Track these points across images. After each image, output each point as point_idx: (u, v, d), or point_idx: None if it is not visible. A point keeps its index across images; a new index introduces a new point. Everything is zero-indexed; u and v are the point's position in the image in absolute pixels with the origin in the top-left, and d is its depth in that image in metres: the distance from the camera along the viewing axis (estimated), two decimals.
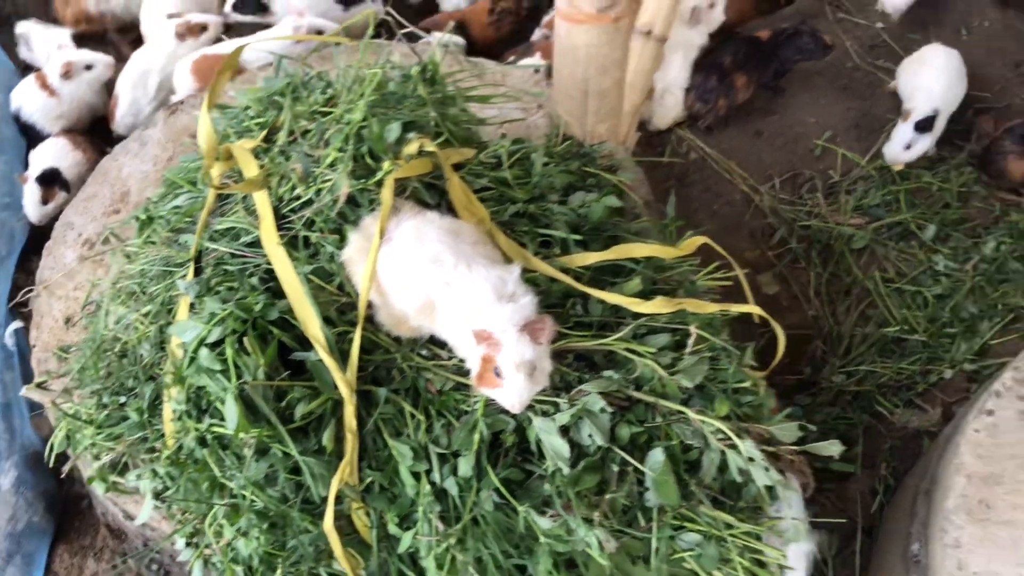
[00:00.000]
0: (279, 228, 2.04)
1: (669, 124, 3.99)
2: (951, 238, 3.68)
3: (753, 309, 2.15)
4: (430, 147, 1.97)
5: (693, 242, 2.30)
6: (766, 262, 3.67)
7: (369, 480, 1.91)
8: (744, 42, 3.91)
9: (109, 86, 3.93)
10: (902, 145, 3.74)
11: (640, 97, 3.69)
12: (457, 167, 2.19)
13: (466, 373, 1.87)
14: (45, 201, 3.50)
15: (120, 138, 3.61)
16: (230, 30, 3.95)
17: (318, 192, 1.99)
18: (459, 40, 3.89)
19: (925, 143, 3.75)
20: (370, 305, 1.96)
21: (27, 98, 3.81)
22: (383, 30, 2.72)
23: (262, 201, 2.05)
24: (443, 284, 1.82)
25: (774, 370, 3.42)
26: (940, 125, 3.77)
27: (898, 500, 3.02)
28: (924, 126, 3.70)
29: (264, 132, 2.29)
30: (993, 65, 4.15)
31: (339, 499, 1.90)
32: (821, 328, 3.52)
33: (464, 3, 4.25)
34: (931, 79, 3.76)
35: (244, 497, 1.94)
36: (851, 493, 3.13)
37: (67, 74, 3.74)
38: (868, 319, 3.51)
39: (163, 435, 2.14)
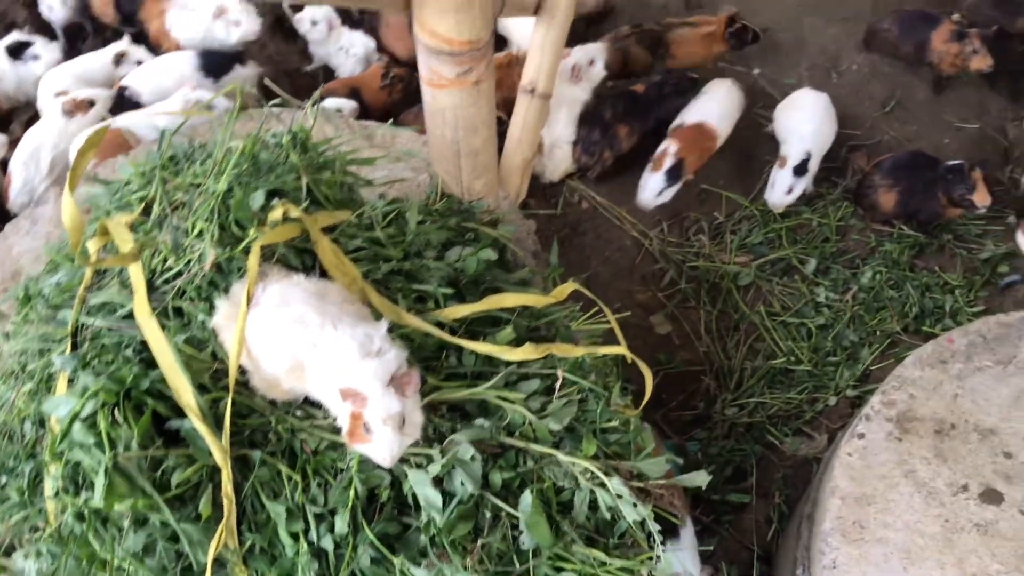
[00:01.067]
0: (153, 299, 2.08)
1: (560, 176, 4.14)
2: (831, 270, 3.88)
3: (619, 350, 2.25)
4: (295, 212, 2.04)
5: (564, 289, 2.40)
6: (658, 303, 3.81)
7: (250, 543, 1.94)
8: (623, 95, 4.10)
9: (3, 165, 3.93)
10: (783, 191, 3.94)
11: (529, 152, 3.84)
12: (331, 229, 2.27)
13: (340, 431, 1.92)
14: None
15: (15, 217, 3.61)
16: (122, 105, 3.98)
17: (188, 263, 2.05)
18: (353, 104, 4.00)
19: (803, 185, 3.96)
20: (245, 371, 2.01)
21: None
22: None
23: (135, 274, 2.09)
24: (310, 345, 1.88)
25: (670, 407, 3.57)
26: (815, 165, 3.99)
27: (790, 527, 3.14)
28: (800, 170, 3.91)
29: (142, 206, 2.34)
30: (862, 105, 4.42)
31: (222, 564, 1.92)
32: (713, 364, 3.66)
33: (360, 70, 4.38)
34: (802, 122, 3.99)
35: (124, 570, 1.94)
36: (748, 523, 3.23)
37: None
38: (757, 352, 3.66)
39: (45, 513, 2.13)
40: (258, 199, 2.04)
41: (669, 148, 3.94)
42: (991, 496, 2.50)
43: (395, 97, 4.16)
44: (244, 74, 4.08)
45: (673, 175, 3.89)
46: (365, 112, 4.07)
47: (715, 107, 4.09)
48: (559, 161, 4.06)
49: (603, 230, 3.95)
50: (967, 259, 3.89)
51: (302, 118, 2.52)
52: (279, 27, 4.66)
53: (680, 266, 3.87)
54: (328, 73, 4.56)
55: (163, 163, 2.46)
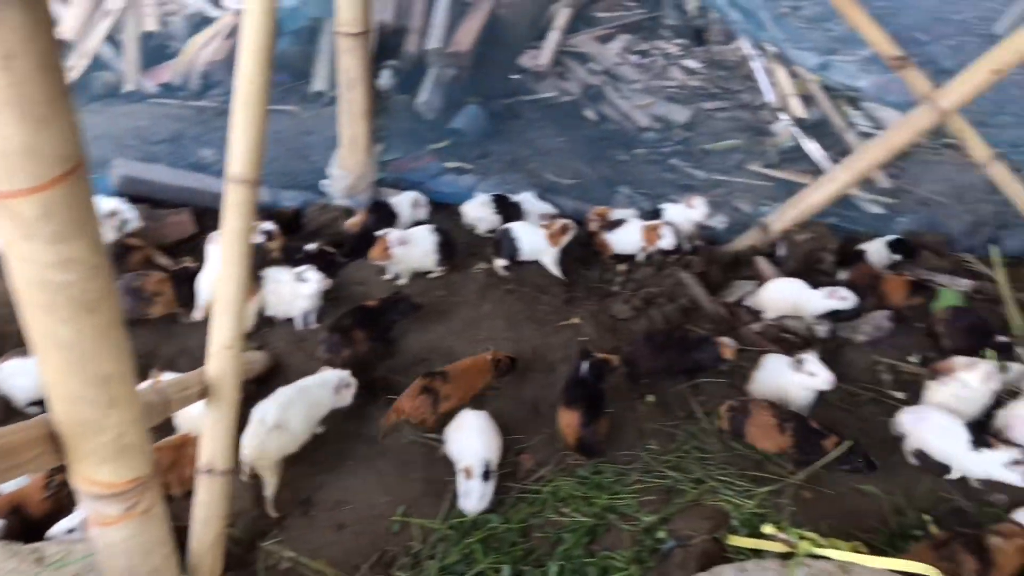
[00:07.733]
0: None
1: None
2: (524, 573, 4.16)
3: None
4: None
5: None
6: None
7: None
8: (359, 309, 5.12)
9: None
10: (478, 497, 4.34)
11: (219, 527, 3.86)
12: None
13: None
14: None
15: None
16: None
17: None
18: None
19: (490, 490, 4.36)
20: None
21: None
22: None
23: None
24: None
25: None
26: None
27: None
28: (486, 476, 4.33)
29: None
30: (520, 411, 5.00)
31: None
32: None
33: None
34: (472, 437, 4.49)
35: None
36: None
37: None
38: None
39: None
40: None
41: None
42: None
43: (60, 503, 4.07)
44: None
45: None
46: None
47: None
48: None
49: None
50: (632, 532, 4.33)
51: None
52: None
53: None
54: None
55: None
